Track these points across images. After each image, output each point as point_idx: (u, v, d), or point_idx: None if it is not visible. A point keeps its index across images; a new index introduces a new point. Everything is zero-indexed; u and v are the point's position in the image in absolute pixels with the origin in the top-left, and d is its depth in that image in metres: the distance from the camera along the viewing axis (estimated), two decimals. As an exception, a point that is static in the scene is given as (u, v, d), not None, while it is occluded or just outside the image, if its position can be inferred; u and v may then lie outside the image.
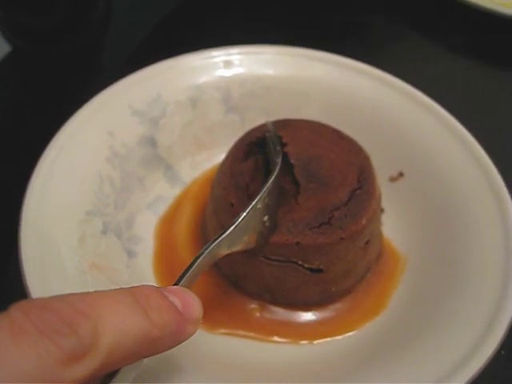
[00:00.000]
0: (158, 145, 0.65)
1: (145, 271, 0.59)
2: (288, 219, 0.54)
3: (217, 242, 0.47)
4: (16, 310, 0.32)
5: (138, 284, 0.55)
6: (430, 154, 0.64)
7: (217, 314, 0.56)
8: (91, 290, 0.50)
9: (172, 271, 0.58)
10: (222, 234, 0.48)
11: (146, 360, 0.40)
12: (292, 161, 0.56)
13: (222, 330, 0.56)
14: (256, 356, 0.54)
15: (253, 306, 0.57)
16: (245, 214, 0.50)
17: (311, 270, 0.54)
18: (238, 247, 0.50)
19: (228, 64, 0.69)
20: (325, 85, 0.69)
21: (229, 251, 0.49)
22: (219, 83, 0.68)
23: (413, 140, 0.65)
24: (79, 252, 0.53)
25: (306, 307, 0.57)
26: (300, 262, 0.54)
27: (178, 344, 0.41)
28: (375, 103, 0.67)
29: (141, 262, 0.59)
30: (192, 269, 0.44)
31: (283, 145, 0.58)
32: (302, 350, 0.55)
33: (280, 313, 0.57)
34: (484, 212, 0.58)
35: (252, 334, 0.55)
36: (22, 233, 0.52)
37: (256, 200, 0.51)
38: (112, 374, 0.38)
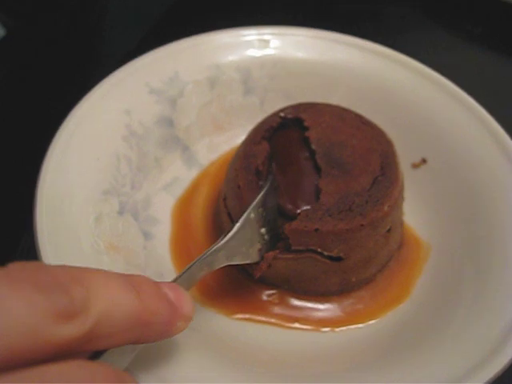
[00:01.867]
0: (175, 125, 0.63)
1: (162, 254, 0.57)
2: (307, 205, 0.52)
3: (210, 251, 0.47)
4: (14, 265, 0.33)
5: (155, 266, 0.55)
6: (454, 140, 0.62)
7: (234, 299, 0.55)
8: (107, 270, 0.49)
9: (189, 255, 0.57)
10: (217, 243, 0.48)
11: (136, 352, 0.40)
12: (313, 146, 0.55)
13: (240, 315, 0.54)
14: (277, 342, 0.53)
15: (272, 293, 0.56)
16: (239, 224, 0.49)
17: (331, 258, 0.53)
18: (237, 259, 0.49)
19: (260, 43, 0.67)
20: (350, 70, 0.67)
21: (228, 262, 0.48)
22: (239, 64, 0.66)
23: (437, 126, 0.63)
24: (95, 231, 0.52)
25: (327, 296, 0.56)
26: (319, 250, 0.52)
27: (167, 337, 0.41)
28: (401, 89, 0.66)
29: (158, 245, 0.57)
30: (184, 274, 0.45)
31: (305, 129, 0.57)
32: (324, 338, 0.53)
33: (300, 301, 0.56)
34: (509, 199, 0.57)
35: (273, 321, 0.54)
36: (37, 208, 0.50)
37: (248, 210, 0.50)
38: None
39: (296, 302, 0.55)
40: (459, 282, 0.54)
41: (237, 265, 0.50)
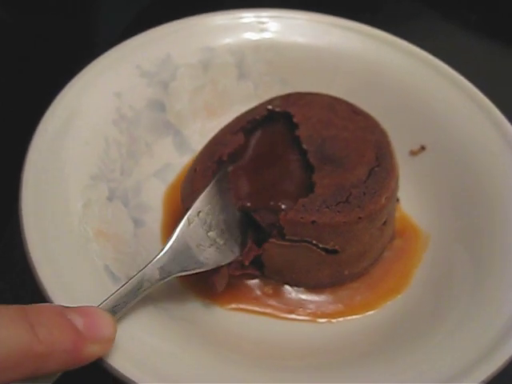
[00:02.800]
0: (166, 109, 0.61)
1: (152, 241, 0.55)
2: (303, 195, 0.51)
3: (144, 267, 0.45)
4: None
5: (146, 255, 0.53)
6: (454, 126, 0.61)
7: (227, 290, 0.52)
8: (96, 258, 0.48)
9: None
10: (154, 258, 0.46)
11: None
12: (304, 146, 0.54)
13: (234, 306, 0.52)
14: (273, 333, 0.51)
15: (265, 284, 0.54)
16: (174, 236, 0.48)
17: (326, 250, 0.51)
18: (190, 267, 0.47)
19: (256, 26, 0.65)
20: (348, 55, 0.65)
21: (178, 273, 0.46)
22: (233, 47, 0.64)
23: (436, 112, 0.62)
24: (84, 218, 0.50)
25: (320, 288, 0.54)
26: (314, 242, 0.50)
27: (80, 363, 0.39)
28: (399, 75, 0.64)
29: (148, 232, 0.55)
30: (116, 294, 0.43)
31: (294, 125, 0.55)
32: (321, 329, 0.52)
33: (295, 292, 0.54)
34: (509, 186, 0.55)
35: (268, 311, 0.52)
36: (22, 193, 0.48)
37: (183, 221, 0.49)
38: None
39: (291, 293, 0.53)
40: (459, 271, 0.53)
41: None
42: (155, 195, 0.58)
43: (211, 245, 0.49)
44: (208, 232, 0.50)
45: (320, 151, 0.53)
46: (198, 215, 0.50)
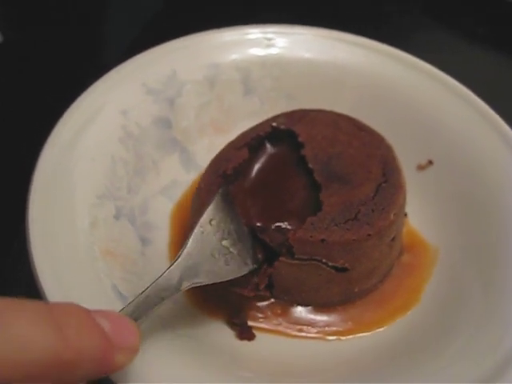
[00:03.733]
0: (173, 126, 0.61)
1: (160, 260, 0.55)
2: (311, 215, 0.50)
3: (160, 277, 0.44)
4: None
5: (153, 273, 0.52)
6: (462, 141, 0.60)
7: (235, 309, 0.53)
8: (103, 277, 0.47)
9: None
10: (169, 267, 0.44)
11: None
12: (310, 165, 0.53)
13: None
14: (282, 352, 0.51)
15: (273, 304, 0.53)
16: (189, 242, 0.46)
17: (336, 268, 0.51)
18: (202, 278, 0.45)
19: (262, 42, 0.64)
20: (354, 69, 0.65)
21: (190, 284, 0.45)
22: (239, 63, 0.64)
23: (443, 127, 0.62)
24: (91, 237, 0.49)
25: (330, 306, 0.54)
26: (324, 260, 0.50)
27: (106, 374, 0.35)
28: (406, 89, 0.64)
29: (156, 250, 0.55)
30: (134, 302, 0.42)
31: (299, 145, 0.55)
32: (331, 346, 0.51)
33: (303, 311, 0.53)
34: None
35: (277, 329, 0.52)
36: (29, 213, 0.48)
37: (197, 227, 0.47)
38: None
39: (300, 312, 0.53)
40: (468, 286, 0.53)
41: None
42: (162, 213, 0.58)
43: (225, 254, 0.48)
44: (222, 241, 0.48)
45: (326, 169, 0.53)
46: (210, 223, 0.48)
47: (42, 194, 0.49)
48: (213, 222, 0.49)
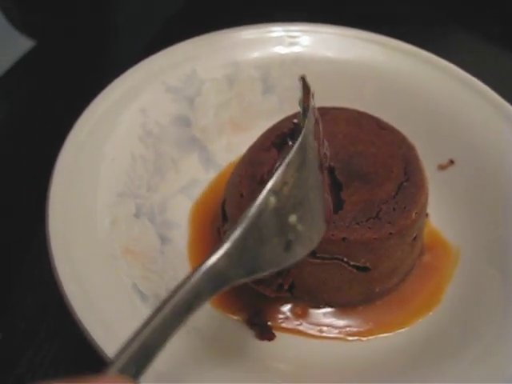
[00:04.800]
0: (192, 124, 0.61)
1: (179, 258, 0.54)
2: (333, 213, 0.49)
3: (194, 277, 0.33)
4: None
5: (173, 272, 0.52)
6: (483, 140, 0.60)
7: (254, 308, 0.52)
8: (124, 276, 0.47)
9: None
10: (206, 260, 0.34)
11: None
12: (332, 163, 0.53)
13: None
14: (302, 352, 0.50)
15: (293, 304, 0.53)
16: (249, 217, 0.35)
17: (357, 267, 0.50)
18: (257, 270, 0.36)
19: (284, 40, 0.64)
20: (375, 69, 0.65)
21: (243, 279, 0.35)
22: (258, 61, 0.63)
23: (464, 126, 0.61)
24: (111, 235, 0.49)
25: (351, 306, 0.53)
26: (345, 259, 0.50)
27: None
28: (428, 89, 0.63)
29: (175, 249, 0.55)
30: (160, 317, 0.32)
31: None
32: (352, 347, 0.51)
33: (324, 311, 0.53)
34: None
35: (297, 329, 0.51)
36: (49, 211, 0.48)
37: (266, 190, 0.36)
38: None
39: (320, 312, 0.52)
40: (490, 288, 0.52)
41: None
42: (181, 212, 0.58)
43: (288, 234, 0.37)
44: (289, 216, 0.38)
45: (347, 168, 0.52)
46: (281, 190, 0.37)
47: (62, 192, 0.49)
48: (285, 189, 0.37)
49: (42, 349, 0.51)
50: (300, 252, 0.39)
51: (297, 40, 0.65)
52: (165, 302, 0.32)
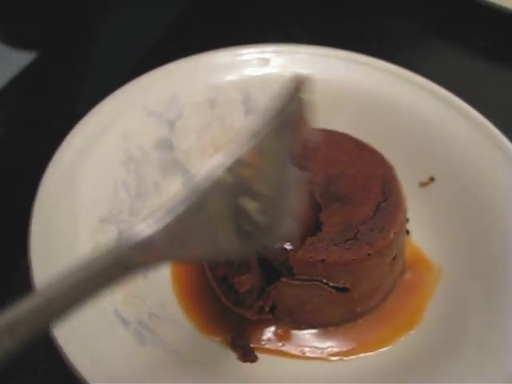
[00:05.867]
0: (174, 148, 0.61)
1: (162, 283, 0.55)
2: (311, 235, 0.50)
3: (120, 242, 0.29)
4: None
5: (156, 296, 0.52)
6: (464, 158, 0.60)
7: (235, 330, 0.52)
8: (105, 302, 0.48)
9: (191, 281, 0.55)
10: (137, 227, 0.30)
11: None
12: (310, 185, 0.53)
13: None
14: (285, 373, 0.50)
15: (274, 326, 0.53)
16: (198, 189, 0.31)
17: (337, 288, 0.51)
18: (206, 255, 0.33)
19: (260, 62, 0.65)
20: (353, 87, 0.65)
21: (185, 259, 0.33)
22: (239, 83, 0.64)
23: (445, 144, 0.61)
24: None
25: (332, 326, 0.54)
26: (325, 281, 0.50)
27: None
28: (406, 106, 0.64)
29: (158, 273, 0.54)
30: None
31: None
32: (334, 367, 0.51)
33: (306, 332, 0.53)
34: (522, 218, 0.54)
35: (279, 350, 0.51)
36: (31, 238, 0.48)
37: (223, 166, 0.31)
38: None
39: (301, 333, 0.53)
40: (472, 305, 0.52)
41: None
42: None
43: (241, 220, 0.33)
44: (247, 201, 0.33)
45: (326, 189, 0.53)
46: (242, 171, 0.32)
47: (44, 218, 0.50)
48: (246, 172, 0.33)
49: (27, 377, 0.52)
50: (255, 244, 0.35)
51: (273, 61, 0.65)
52: (81, 266, 0.30)
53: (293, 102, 0.38)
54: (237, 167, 0.32)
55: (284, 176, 0.37)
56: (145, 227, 0.30)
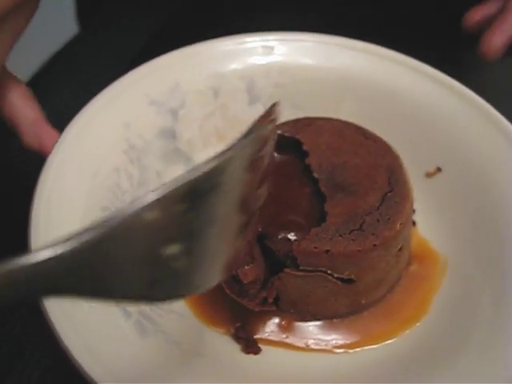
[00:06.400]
0: (177, 137, 0.60)
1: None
2: (315, 225, 0.49)
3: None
4: None
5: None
6: (471, 147, 0.59)
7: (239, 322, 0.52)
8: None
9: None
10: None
11: None
12: (315, 174, 0.53)
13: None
14: (289, 365, 0.50)
15: (279, 317, 0.52)
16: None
17: (341, 279, 0.50)
18: (107, 297, 0.29)
19: (263, 50, 0.63)
20: (358, 75, 0.64)
21: (80, 296, 0.28)
22: (243, 72, 0.63)
23: (452, 133, 0.60)
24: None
25: (337, 318, 0.53)
26: (329, 272, 0.49)
27: None
28: (412, 95, 0.62)
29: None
30: None
31: (303, 153, 0.54)
32: (339, 359, 0.50)
33: (310, 324, 0.52)
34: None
35: (283, 342, 0.51)
36: (32, 228, 0.48)
37: (145, 200, 0.27)
38: None
39: (306, 325, 0.52)
40: (478, 297, 0.51)
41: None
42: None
43: (156, 265, 0.29)
44: (169, 243, 0.29)
45: (331, 179, 0.52)
46: (168, 207, 0.28)
47: (45, 208, 0.49)
48: (174, 208, 0.28)
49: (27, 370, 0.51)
50: (168, 294, 0.31)
51: (278, 49, 0.64)
52: None
53: (251, 139, 0.35)
54: (162, 204, 0.28)
55: (222, 217, 0.32)
56: (46, 250, 0.26)
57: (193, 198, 0.29)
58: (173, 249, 0.29)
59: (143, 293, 0.29)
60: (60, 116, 0.55)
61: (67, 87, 0.73)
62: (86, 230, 0.26)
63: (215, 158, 0.30)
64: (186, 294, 0.34)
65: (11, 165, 0.66)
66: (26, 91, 0.54)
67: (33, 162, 0.52)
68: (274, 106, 0.41)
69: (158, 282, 0.29)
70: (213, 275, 0.33)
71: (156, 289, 0.29)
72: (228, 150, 0.32)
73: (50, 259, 0.25)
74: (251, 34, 0.64)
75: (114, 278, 0.27)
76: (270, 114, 0.39)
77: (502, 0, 0.67)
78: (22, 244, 0.48)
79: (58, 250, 0.25)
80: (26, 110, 0.53)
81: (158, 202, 0.27)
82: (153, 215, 0.27)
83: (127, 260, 0.27)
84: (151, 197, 0.27)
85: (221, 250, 0.33)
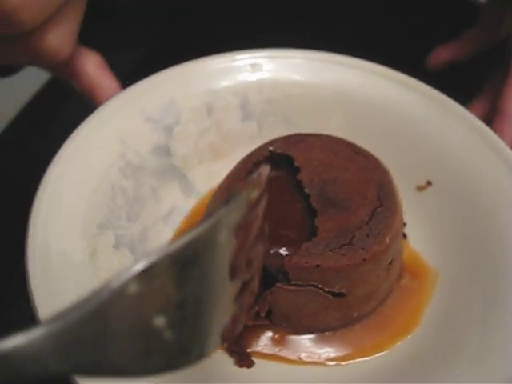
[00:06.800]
0: (172, 154, 0.61)
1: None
2: (306, 240, 0.50)
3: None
4: None
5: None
6: (460, 161, 0.60)
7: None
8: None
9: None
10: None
11: None
12: (307, 190, 0.54)
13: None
14: (281, 378, 0.50)
15: (271, 330, 0.53)
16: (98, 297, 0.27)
17: (332, 293, 0.51)
18: (99, 374, 0.28)
19: (253, 67, 0.65)
20: (348, 91, 0.65)
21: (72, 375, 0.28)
22: (236, 88, 0.64)
23: (442, 147, 0.61)
24: (90, 267, 0.50)
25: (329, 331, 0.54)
26: (320, 286, 0.50)
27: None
28: (402, 110, 0.64)
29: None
30: None
31: (295, 169, 0.55)
32: (331, 372, 0.51)
33: (302, 336, 0.53)
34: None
35: (276, 355, 0.52)
36: (29, 246, 0.48)
37: (128, 274, 0.27)
38: None
39: (298, 338, 0.53)
40: (469, 310, 0.52)
41: None
42: (162, 240, 0.58)
43: (147, 338, 0.28)
44: (155, 316, 0.28)
45: (322, 194, 0.53)
46: (150, 281, 0.28)
47: (42, 224, 0.50)
48: (155, 283, 0.28)
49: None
50: (164, 366, 0.30)
51: (267, 66, 0.65)
52: None
53: (235, 203, 0.34)
54: (142, 279, 0.27)
55: (211, 286, 0.31)
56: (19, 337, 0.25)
57: (178, 268, 0.29)
58: (163, 320, 0.28)
59: (137, 367, 0.28)
60: (57, 134, 0.56)
61: (62, 109, 0.75)
62: (71, 310, 0.26)
63: (197, 227, 0.30)
64: (183, 366, 0.32)
65: (8, 179, 0.67)
66: (100, 60, 0.57)
67: (30, 177, 0.53)
68: (261, 172, 0.40)
69: (152, 354, 0.28)
70: (210, 344, 0.33)
71: (151, 361, 0.29)
72: (211, 217, 0.31)
73: (36, 339, 0.25)
74: (240, 52, 0.65)
75: (106, 352, 0.27)
76: (257, 179, 0.39)
77: (489, 101, 0.70)
78: (19, 252, 0.49)
79: (52, 329, 0.25)
80: (103, 80, 0.56)
81: (144, 273, 0.27)
82: (138, 287, 0.27)
83: (117, 334, 0.27)
84: (136, 269, 0.27)
85: (215, 319, 0.33)
